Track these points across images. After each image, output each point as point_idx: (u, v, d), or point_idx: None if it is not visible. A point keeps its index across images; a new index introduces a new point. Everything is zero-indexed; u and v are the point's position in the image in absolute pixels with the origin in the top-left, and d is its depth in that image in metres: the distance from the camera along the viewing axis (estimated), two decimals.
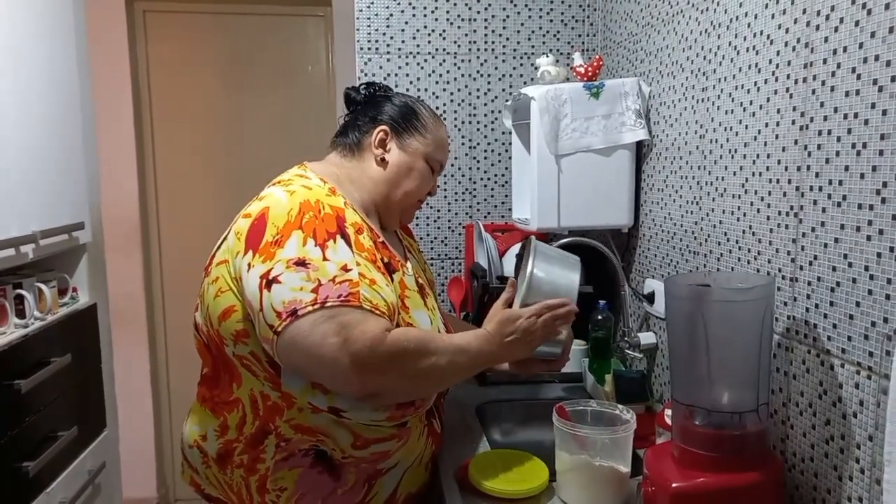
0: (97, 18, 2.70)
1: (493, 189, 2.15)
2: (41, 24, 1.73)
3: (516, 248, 1.68)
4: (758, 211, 1.22)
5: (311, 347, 1.05)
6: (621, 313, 1.67)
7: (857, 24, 0.96)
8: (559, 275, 1.26)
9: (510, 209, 2.08)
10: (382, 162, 1.31)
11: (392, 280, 1.21)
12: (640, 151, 1.75)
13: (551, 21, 2.11)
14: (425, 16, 2.06)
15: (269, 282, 1.07)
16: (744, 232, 1.27)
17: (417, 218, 2.12)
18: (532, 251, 1.27)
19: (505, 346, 1.20)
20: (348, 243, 1.13)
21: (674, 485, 1.05)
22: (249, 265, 1.11)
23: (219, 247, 1.22)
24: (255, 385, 1.18)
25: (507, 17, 2.09)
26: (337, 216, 1.16)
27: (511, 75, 2.12)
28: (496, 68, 2.11)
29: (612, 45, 1.98)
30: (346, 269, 1.10)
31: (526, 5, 2.09)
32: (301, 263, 1.08)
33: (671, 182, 1.58)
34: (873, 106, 0.93)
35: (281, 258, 1.09)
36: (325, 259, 1.09)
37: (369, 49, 2.06)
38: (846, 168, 0.98)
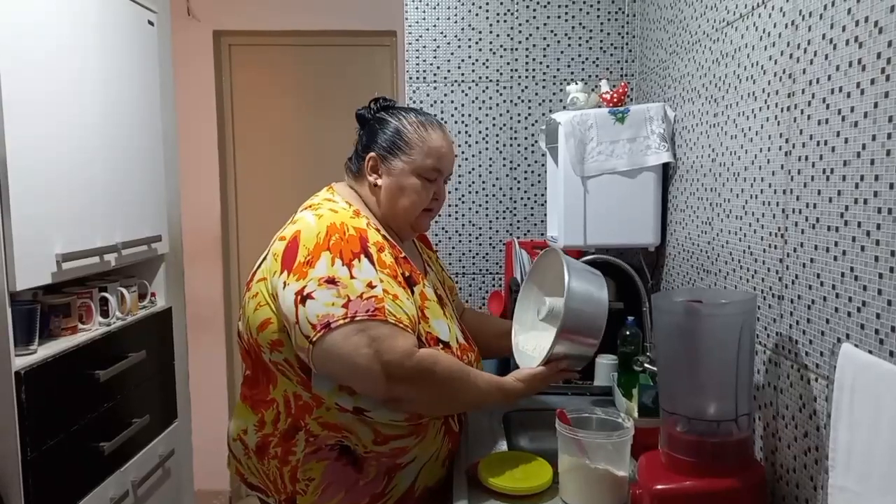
0: (188, 51, 3.02)
1: (532, 208, 2.25)
2: (127, 56, 1.97)
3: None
4: (755, 232, 1.27)
5: (345, 356, 1.20)
6: (644, 329, 1.73)
7: (826, 57, 1.02)
8: (593, 299, 1.37)
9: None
10: (376, 187, 1.42)
11: (413, 292, 1.34)
12: (667, 173, 1.81)
13: (590, 49, 2.20)
14: (469, 47, 2.20)
15: (303, 298, 1.22)
16: (744, 252, 1.32)
17: (460, 234, 2.25)
18: (567, 275, 1.35)
19: (517, 397, 1.39)
20: (371, 262, 1.27)
21: (656, 487, 1.13)
22: (285, 283, 1.26)
23: (259, 265, 1.38)
24: (288, 387, 1.32)
25: (548, 45, 2.19)
26: (360, 237, 1.29)
27: (551, 100, 2.22)
28: (536, 94, 2.21)
29: (647, 70, 2.04)
30: (371, 285, 1.24)
31: (566, 34, 2.19)
32: (331, 281, 1.23)
33: (691, 203, 1.64)
34: (838, 134, 0.98)
35: (313, 277, 1.23)
36: (352, 277, 1.23)
37: (417, 78, 2.21)
38: (819, 192, 1.04)
